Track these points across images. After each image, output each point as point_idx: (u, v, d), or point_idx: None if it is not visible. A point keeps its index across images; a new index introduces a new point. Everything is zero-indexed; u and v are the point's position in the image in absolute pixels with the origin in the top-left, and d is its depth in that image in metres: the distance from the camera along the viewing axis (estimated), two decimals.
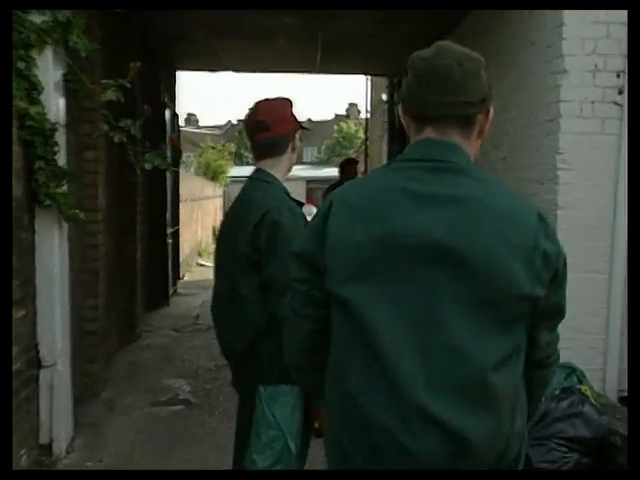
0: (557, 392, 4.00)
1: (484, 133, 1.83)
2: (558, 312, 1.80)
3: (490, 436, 1.64)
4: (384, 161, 13.91)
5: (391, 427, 1.63)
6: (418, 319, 1.64)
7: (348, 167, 9.73)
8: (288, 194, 3.00)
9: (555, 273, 1.70)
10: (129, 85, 3.18)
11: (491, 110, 1.81)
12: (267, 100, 3.09)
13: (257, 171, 3.06)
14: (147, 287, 9.51)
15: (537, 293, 1.66)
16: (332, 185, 9.86)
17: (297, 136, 3.11)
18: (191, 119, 60.54)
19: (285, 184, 3.06)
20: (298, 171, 43.86)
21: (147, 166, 3.19)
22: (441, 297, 1.64)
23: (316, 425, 2.93)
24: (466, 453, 1.62)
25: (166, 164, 3.23)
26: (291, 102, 3.10)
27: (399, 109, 1.86)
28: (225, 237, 3.08)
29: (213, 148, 34.44)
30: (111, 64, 7.05)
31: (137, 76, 3.17)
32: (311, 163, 54.55)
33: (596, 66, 4.86)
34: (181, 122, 12.82)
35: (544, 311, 1.73)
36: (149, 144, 3.21)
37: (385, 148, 13.66)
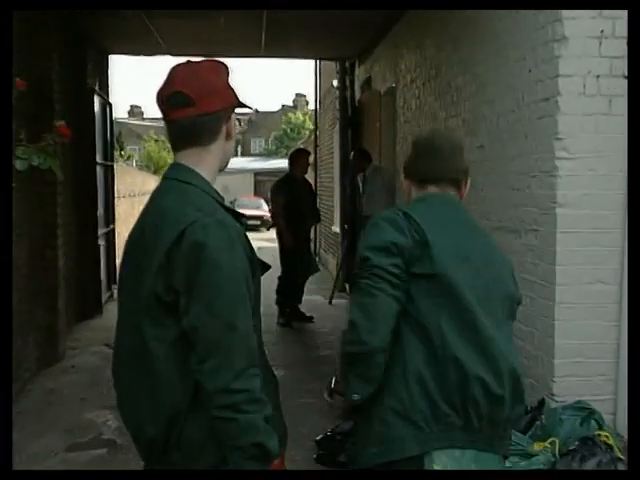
0: (576, 444, 3.12)
1: (464, 196, 2.47)
2: None
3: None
4: (335, 151, 13.09)
5: (488, 381, 2.15)
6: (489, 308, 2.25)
7: (299, 159, 9.02)
8: (220, 201, 2.03)
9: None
10: None
11: (469, 181, 2.46)
12: (189, 63, 2.10)
13: (174, 167, 2.07)
14: (76, 296, 8.51)
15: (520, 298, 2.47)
16: (281, 180, 9.04)
17: (234, 116, 2.14)
18: (135, 111, 58.68)
19: (227, 179, 2.10)
20: (245, 163, 42.91)
21: (19, 165, 2.20)
22: (487, 293, 2.26)
23: None
24: (520, 392, 2.25)
25: (50, 163, 2.23)
26: (226, 67, 2.12)
27: (401, 178, 2.52)
28: (127, 268, 2.06)
29: (156, 141, 33.34)
30: (24, 41, 6.06)
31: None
32: (259, 154, 53.76)
33: (602, 31, 3.97)
34: (124, 114, 11.72)
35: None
36: (25, 136, 2.22)
37: (337, 137, 12.74)
